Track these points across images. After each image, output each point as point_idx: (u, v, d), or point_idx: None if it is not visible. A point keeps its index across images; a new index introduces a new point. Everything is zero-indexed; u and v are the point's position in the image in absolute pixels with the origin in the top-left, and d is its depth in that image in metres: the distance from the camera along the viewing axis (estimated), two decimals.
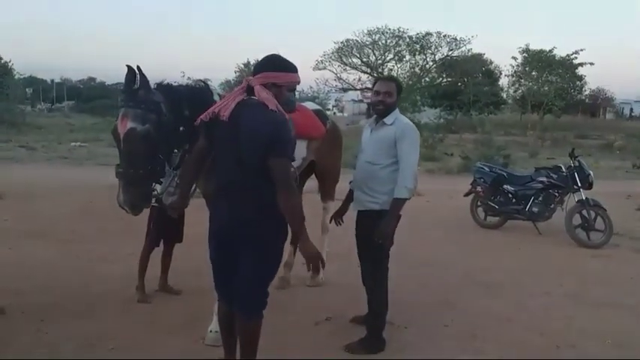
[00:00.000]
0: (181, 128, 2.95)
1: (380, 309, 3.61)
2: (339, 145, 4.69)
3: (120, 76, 2.84)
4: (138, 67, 2.75)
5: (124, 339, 3.56)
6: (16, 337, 3.51)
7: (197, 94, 3.07)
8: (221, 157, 2.65)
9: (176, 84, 3.13)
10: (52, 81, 73.75)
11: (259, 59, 2.74)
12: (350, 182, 3.80)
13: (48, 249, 5.57)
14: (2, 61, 47.11)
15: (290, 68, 2.66)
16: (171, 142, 2.94)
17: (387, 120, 3.49)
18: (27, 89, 55.98)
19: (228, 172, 2.60)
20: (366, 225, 3.50)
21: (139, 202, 2.79)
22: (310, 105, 4.47)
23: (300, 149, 3.93)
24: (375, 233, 3.37)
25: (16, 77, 46.22)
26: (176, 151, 3.06)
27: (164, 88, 2.96)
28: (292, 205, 2.52)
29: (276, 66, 2.63)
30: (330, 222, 4.01)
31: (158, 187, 3.03)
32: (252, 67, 2.74)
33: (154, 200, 3.04)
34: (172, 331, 3.69)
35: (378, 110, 3.52)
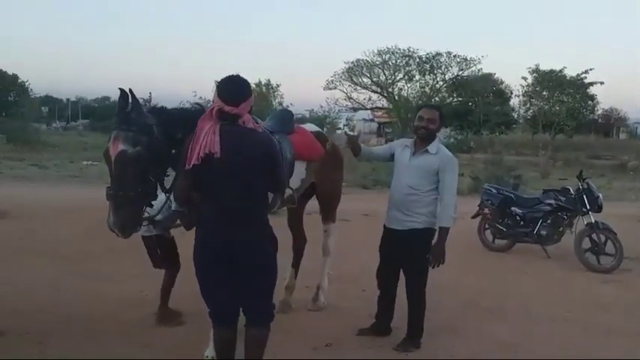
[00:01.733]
0: (173, 151, 2.96)
1: (421, 323, 3.94)
2: (339, 166, 4.67)
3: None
4: (130, 90, 2.80)
5: None
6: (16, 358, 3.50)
7: (191, 117, 3.09)
8: (222, 186, 2.68)
9: (173, 107, 3.17)
10: (68, 100, 75.07)
11: (230, 84, 2.77)
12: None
13: (53, 268, 5.58)
14: (19, 81, 48.37)
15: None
16: (162, 164, 2.95)
17: (431, 149, 3.79)
18: (43, 108, 57.02)
19: (231, 199, 2.67)
20: (410, 242, 3.79)
21: (129, 224, 2.79)
22: (310, 127, 4.49)
23: (299, 171, 3.93)
24: (432, 259, 3.72)
25: (32, 96, 47.23)
26: (168, 174, 3.07)
27: (157, 111, 3.01)
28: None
29: (250, 91, 2.81)
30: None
31: (151, 210, 3.03)
32: (222, 92, 2.71)
33: (145, 223, 3.07)
34: (170, 354, 3.67)
35: (421, 134, 3.82)
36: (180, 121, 3.02)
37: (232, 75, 2.80)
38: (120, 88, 2.80)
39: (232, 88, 2.74)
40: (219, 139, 2.59)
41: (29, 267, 5.63)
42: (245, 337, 2.90)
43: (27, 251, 6.17)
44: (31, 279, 5.21)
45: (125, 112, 2.79)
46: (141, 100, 2.98)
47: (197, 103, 3.26)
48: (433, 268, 3.77)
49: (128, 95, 2.79)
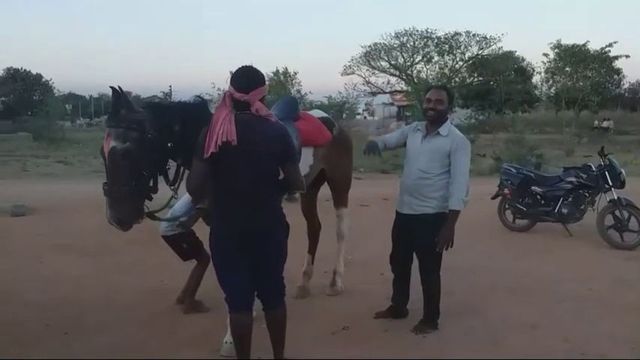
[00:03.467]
0: (169, 144, 3.01)
1: (438, 291, 3.93)
2: (348, 151, 4.65)
3: (153, 89, 3.00)
4: (119, 88, 2.88)
5: (145, 351, 3.61)
6: (40, 350, 3.61)
7: (189, 109, 3.14)
8: (238, 174, 2.75)
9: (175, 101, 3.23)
10: (91, 97, 76.27)
11: (242, 72, 2.85)
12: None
13: (76, 262, 5.73)
14: (43, 80, 49.33)
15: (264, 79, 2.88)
16: (157, 158, 3.01)
17: (442, 131, 3.73)
18: (67, 105, 58.09)
19: (248, 186, 2.75)
20: (422, 227, 3.76)
21: (126, 217, 2.88)
22: (316, 112, 4.48)
23: (307, 157, 3.94)
24: (439, 241, 3.66)
25: (56, 94, 48.14)
26: (169, 167, 3.13)
27: (152, 106, 3.06)
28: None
29: (263, 80, 2.85)
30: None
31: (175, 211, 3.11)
32: (234, 80, 2.80)
33: (166, 225, 3.15)
34: (191, 343, 3.75)
35: (430, 117, 3.77)
36: (176, 115, 3.08)
37: (245, 65, 2.89)
38: (111, 87, 2.88)
39: (243, 76, 2.82)
40: (234, 128, 2.64)
41: (53, 260, 5.78)
42: (266, 321, 3.04)
43: (51, 245, 6.34)
44: (54, 272, 5.35)
45: (116, 110, 2.87)
46: (160, 94, 3.07)
47: (198, 96, 3.29)
48: (439, 251, 3.73)
49: (119, 93, 2.88)
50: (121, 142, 2.81)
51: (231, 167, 2.73)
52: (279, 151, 2.81)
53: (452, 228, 3.67)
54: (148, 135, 2.89)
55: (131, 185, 2.84)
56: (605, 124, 31.47)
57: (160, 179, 3.14)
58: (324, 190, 4.73)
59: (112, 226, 2.92)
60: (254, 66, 2.89)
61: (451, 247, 3.73)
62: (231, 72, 2.89)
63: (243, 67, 2.88)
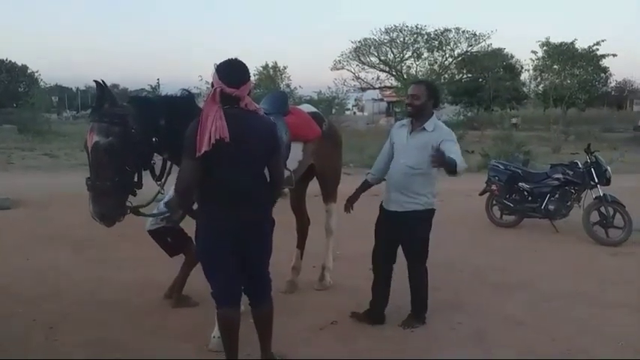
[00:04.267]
0: (154, 139, 2.99)
1: (426, 288, 3.95)
2: (338, 146, 4.64)
3: (141, 82, 2.98)
4: (103, 82, 2.86)
5: (132, 346, 3.59)
6: (26, 344, 3.58)
7: (176, 103, 3.12)
8: (229, 169, 2.72)
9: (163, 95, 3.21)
10: (77, 89, 75.36)
11: (231, 67, 2.78)
12: (367, 174, 4.07)
13: (64, 255, 5.69)
14: (29, 72, 48.65)
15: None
16: (141, 153, 2.98)
17: (428, 126, 3.69)
18: (53, 98, 57.36)
19: (239, 182, 2.74)
20: (411, 224, 3.74)
21: (109, 212, 2.86)
22: (306, 107, 4.46)
23: (296, 152, 3.93)
24: (433, 159, 3.36)
25: (42, 86, 47.55)
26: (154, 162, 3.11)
27: (137, 100, 3.04)
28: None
29: (249, 74, 2.82)
30: (345, 210, 4.08)
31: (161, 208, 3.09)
32: (223, 74, 2.73)
33: (153, 221, 3.12)
34: (179, 337, 3.73)
35: (409, 112, 3.78)
36: (162, 109, 3.06)
37: (231, 58, 2.82)
38: (95, 80, 2.86)
39: (232, 70, 2.77)
40: (225, 124, 2.60)
41: (41, 253, 5.72)
42: (253, 316, 3.05)
43: (39, 238, 6.28)
44: (42, 265, 5.30)
45: (99, 104, 2.85)
46: (148, 87, 3.05)
47: (185, 89, 3.27)
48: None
49: (103, 87, 2.86)
50: (103, 137, 2.78)
51: (222, 163, 2.70)
52: (268, 147, 2.82)
53: (446, 160, 3.35)
54: (131, 130, 2.86)
55: (114, 180, 2.82)
56: (513, 120, 32.39)
57: (147, 174, 3.12)
58: (313, 186, 4.73)
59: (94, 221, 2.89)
60: (240, 59, 2.83)
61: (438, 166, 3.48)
62: (215, 65, 2.80)
63: (230, 60, 2.81)
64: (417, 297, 3.94)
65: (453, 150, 3.52)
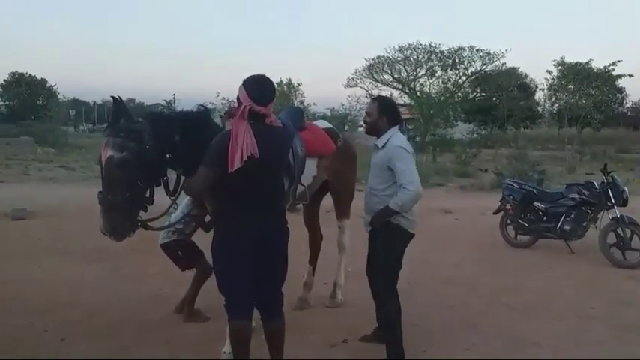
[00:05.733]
0: (168, 155, 3.00)
1: (392, 320, 3.54)
2: (352, 162, 4.63)
3: (156, 97, 2.99)
4: (119, 97, 2.88)
5: (143, 358, 3.58)
6: (37, 355, 3.58)
7: (191, 119, 3.13)
8: (255, 183, 2.77)
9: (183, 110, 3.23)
10: (94, 103, 76.57)
11: (260, 84, 2.81)
12: None
13: (75, 267, 5.72)
14: (48, 85, 49.60)
15: None
16: (153, 170, 2.98)
17: (379, 143, 3.50)
18: (70, 111, 58.29)
19: (263, 195, 2.82)
20: (373, 241, 3.58)
21: (119, 227, 2.83)
22: (322, 123, 4.47)
23: (311, 168, 3.93)
24: (372, 225, 3.44)
25: (60, 100, 48.35)
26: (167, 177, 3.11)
27: (152, 116, 3.05)
28: None
29: (275, 91, 2.90)
30: None
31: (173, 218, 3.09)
32: (253, 92, 2.76)
33: (164, 233, 3.12)
34: (188, 351, 3.72)
35: (365, 130, 3.69)
36: (177, 125, 3.06)
37: (259, 75, 2.86)
38: (112, 96, 2.88)
39: (261, 88, 2.81)
40: (255, 141, 2.66)
41: (54, 264, 5.77)
42: (265, 331, 3.02)
43: (51, 250, 6.33)
44: (54, 276, 5.35)
45: (115, 119, 2.86)
46: (163, 102, 3.07)
47: (201, 105, 3.29)
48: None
49: (120, 103, 2.88)
50: (118, 152, 2.79)
51: (247, 177, 2.72)
52: (286, 160, 2.99)
53: (380, 218, 3.37)
54: (145, 146, 2.87)
55: (125, 195, 2.81)
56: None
57: (158, 189, 3.12)
58: (326, 201, 4.72)
59: (104, 235, 2.87)
60: (267, 76, 2.87)
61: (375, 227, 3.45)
62: (244, 80, 2.82)
63: (259, 77, 2.85)
64: (380, 314, 3.76)
65: (401, 170, 3.31)
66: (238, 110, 2.73)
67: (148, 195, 2.99)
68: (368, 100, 33.48)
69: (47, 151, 23.36)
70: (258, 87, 2.80)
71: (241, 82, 2.82)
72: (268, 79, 2.86)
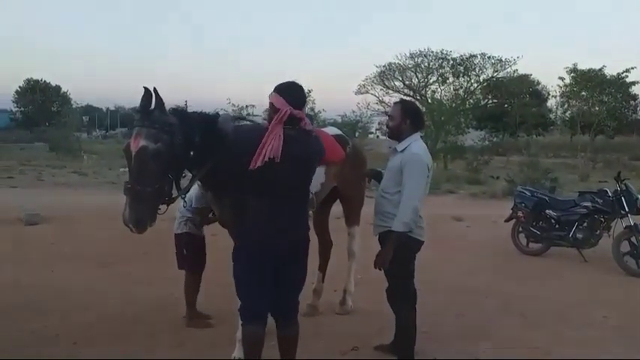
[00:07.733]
0: (192, 153, 3.00)
1: (404, 326, 3.54)
2: (361, 168, 4.60)
3: (168, 105, 2.99)
4: (154, 89, 2.83)
5: None
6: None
7: (209, 122, 3.14)
8: (284, 187, 2.81)
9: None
10: (107, 109, 77.34)
11: (294, 89, 2.91)
12: None
13: (87, 272, 5.77)
14: (62, 92, 50.19)
15: None
16: (181, 164, 2.99)
17: (399, 147, 3.49)
18: (83, 117, 58.96)
19: (290, 199, 2.86)
20: (382, 246, 3.51)
21: (145, 219, 2.77)
22: (331, 130, 4.47)
23: (319, 174, 3.91)
24: (375, 261, 3.37)
25: (74, 106, 48.90)
26: (185, 175, 3.12)
27: (178, 112, 3.04)
28: None
29: (305, 96, 2.96)
30: None
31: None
32: (289, 97, 2.84)
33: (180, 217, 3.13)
34: (199, 356, 3.73)
35: (388, 135, 3.67)
36: (199, 125, 3.06)
37: (291, 81, 2.95)
38: (145, 87, 2.83)
39: (297, 93, 2.91)
40: (281, 145, 2.70)
41: (66, 269, 5.82)
42: (278, 338, 3.04)
43: (64, 254, 6.39)
44: (67, 280, 5.39)
45: (148, 110, 2.83)
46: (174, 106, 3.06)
47: (224, 110, 3.31)
48: (376, 267, 3.40)
49: (152, 94, 2.83)
50: (152, 143, 2.75)
51: (277, 180, 2.77)
52: (314, 167, 3.02)
53: (389, 250, 3.33)
54: (177, 139, 2.87)
55: (155, 187, 2.78)
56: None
57: None
58: (335, 208, 4.72)
59: (126, 227, 2.79)
60: (297, 81, 2.96)
61: (385, 268, 3.40)
62: (277, 88, 2.88)
63: (292, 83, 2.94)
64: (396, 332, 3.70)
65: (408, 184, 3.31)
66: (279, 114, 2.77)
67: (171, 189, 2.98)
68: (379, 107, 33.87)
69: (91, 157, 23.95)
70: (292, 92, 2.88)
71: (273, 90, 2.88)
72: (299, 84, 2.96)
